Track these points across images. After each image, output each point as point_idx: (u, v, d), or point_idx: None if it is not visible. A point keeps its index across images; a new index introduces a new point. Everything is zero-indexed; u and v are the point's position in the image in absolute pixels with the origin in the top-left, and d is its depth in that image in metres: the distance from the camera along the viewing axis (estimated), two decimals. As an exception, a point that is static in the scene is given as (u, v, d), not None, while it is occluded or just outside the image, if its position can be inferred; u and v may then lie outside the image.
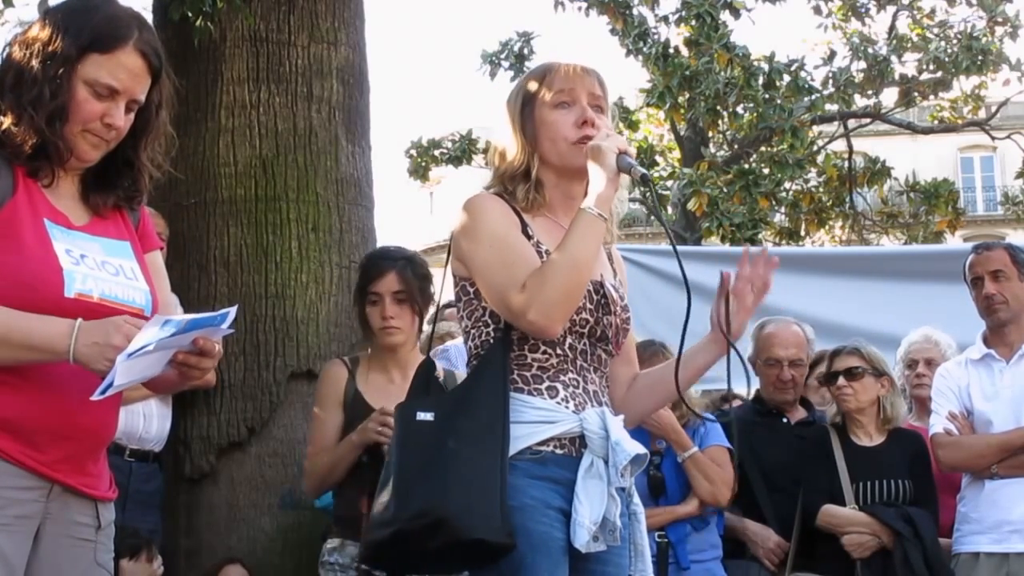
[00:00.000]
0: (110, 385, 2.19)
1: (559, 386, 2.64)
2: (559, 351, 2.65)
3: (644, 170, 2.69)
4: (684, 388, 2.87)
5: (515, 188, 2.73)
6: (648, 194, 14.77)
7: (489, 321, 2.65)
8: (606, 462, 2.61)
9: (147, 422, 4.40)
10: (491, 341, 2.65)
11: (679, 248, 3.12)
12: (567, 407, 2.63)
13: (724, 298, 2.77)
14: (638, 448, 2.64)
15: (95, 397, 2.20)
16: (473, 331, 2.69)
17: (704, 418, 4.36)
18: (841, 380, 4.54)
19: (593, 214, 2.59)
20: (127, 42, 2.35)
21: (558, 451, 2.60)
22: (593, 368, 2.72)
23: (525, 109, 2.75)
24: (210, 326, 2.27)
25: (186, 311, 2.79)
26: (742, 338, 4.91)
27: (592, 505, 2.56)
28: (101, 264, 2.37)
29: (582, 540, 2.55)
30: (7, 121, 2.31)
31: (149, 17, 4.58)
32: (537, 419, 2.59)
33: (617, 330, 2.75)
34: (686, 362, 2.81)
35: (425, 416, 2.59)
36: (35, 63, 2.31)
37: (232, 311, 2.27)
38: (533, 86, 2.77)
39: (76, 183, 2.43)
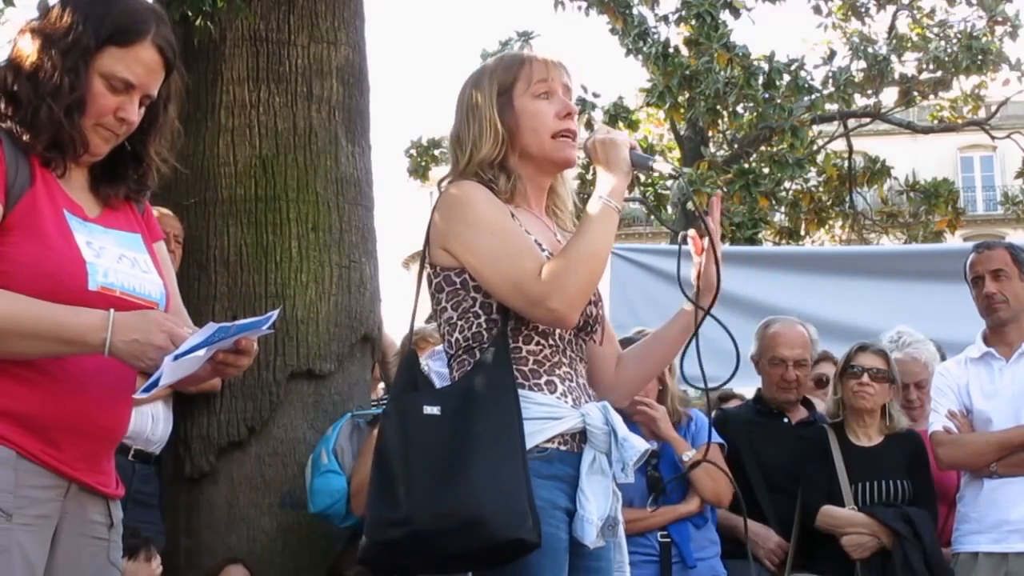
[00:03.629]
0: (155, 384, 2.19)
1: (556, 380, 2.63)
2: (551, 341, 2.64)
3: (669, 165, 2.73)
4: (665, 363, 2.88)
5: (496, 178, 2.69)
6: (648, 193, 14.80)
7: (480, 312, 2.62)
8: (607, 457, 2.60)
9: (154, 423, 4.40)
10: (482, 333, 2.61)
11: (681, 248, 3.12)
12: (566, 402, 2.62)
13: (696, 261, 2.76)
14: (644, 444, 2.64)
15: (139, 396, 2.22)
16: (460, 322, 2.64)
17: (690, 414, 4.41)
18: (866, 378, 4.53)
19: (612, 206, 2.60)
20: (145, 36, 2.33)
21: (562, 448, 2.59)
22: (579, 359, 2.71)
23: (501, 98, 2.72)
24: (254, 328, 2.28)
25: (187, 311, 2.79)
26: (744, 338, 4.96)
27: (598, 501, 2.56)
28: (118, 257, 2.36)
29: (591, 537, 2.54)
30: (24, 111, 2.29)
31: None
32: (542, 415, 2.56)
33: (598, 319, 2.76)
34: (663, 330, 2.85)
35: (432, 410, 2.52)
36: (54, 53, 2.29)
37: (275, 314, 2.27)
38: (506, 76, 2.74)
39: (85, 175, 2.42)
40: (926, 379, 4.84)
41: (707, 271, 2.73)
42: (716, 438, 4.41)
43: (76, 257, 2.27)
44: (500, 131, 2.70)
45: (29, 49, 2.32)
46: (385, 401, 4.78)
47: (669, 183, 15.00)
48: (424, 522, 2.42)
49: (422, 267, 2.73)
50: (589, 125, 12.77)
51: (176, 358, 2.16)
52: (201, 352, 2.19)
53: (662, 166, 2.73)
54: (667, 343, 2.85)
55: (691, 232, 2.79)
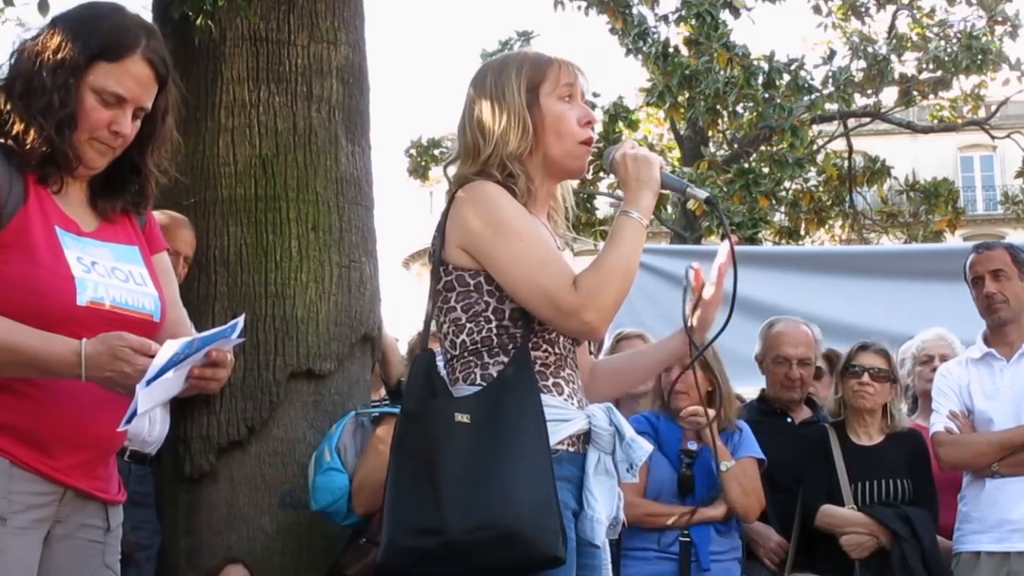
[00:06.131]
0: (134, 414, 2.21)
1: (562, 382, 2.62)
2: (556, 349, 2.63)
3: (706, 192, 2.72)
4: (641, 383, 2.91)
5: (517, 176, 2.63)
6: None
7: (491, 317, 2.58)
8: (611, 457, 2.61)
9: (151, 425, 4.40)
10: (492, 337, 2.58)
11: (681, 248, 3.13)
12: (572, 403, 2.62)
13: (693, 296, 2.79)
14: (651, 446, 2.68)
15: (122, 428, 2.23)
16: (469, 324, 2.59)
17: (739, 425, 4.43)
18: (866, 377, 4.53)
19: (643, 224, 2.60)
20: (135, 51, 2.38)
21: (570, 449, 2.59)
22: (575, 365, 2.71)
23: (529, 94, 2.66)
24: (221, 339, 2.29)
25: (187, 311, 2.79)
26: (746, 338, 4.95)
27: (605, 501, 2.57)
28: (111, 271, 2.39)
29: (601, 536, 2.55)
30: (17, 129, 2.33)
31: (148, 16, 4.58)
32: (554, 417, 2.55)
33: None
34: (646, 352, 2.89)
35: (462, 418, 2.48)
36: (44, 71, 2.34)
37: (240, 321, 2.29)
38: (535, 72, 2.69)
39: (84, 189, 2.46)
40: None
41: (705, 312, 2.76)
42: (758, 453, 4.41)
43: (65, 273, 2.31)
44: (529, 126, 2.64)
45: (21, 69, 2.37)
46: (387, 401, 4.80)
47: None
48: (459, 532, 2.38)
49: (435, 266, 2.69)
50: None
51: (148, 383, 2.18)
52: (170, 374, 2.21)
53: (696, 191, 2.73)
54: (648, 368, 2.92)
55: (695, 265, 2.80)
